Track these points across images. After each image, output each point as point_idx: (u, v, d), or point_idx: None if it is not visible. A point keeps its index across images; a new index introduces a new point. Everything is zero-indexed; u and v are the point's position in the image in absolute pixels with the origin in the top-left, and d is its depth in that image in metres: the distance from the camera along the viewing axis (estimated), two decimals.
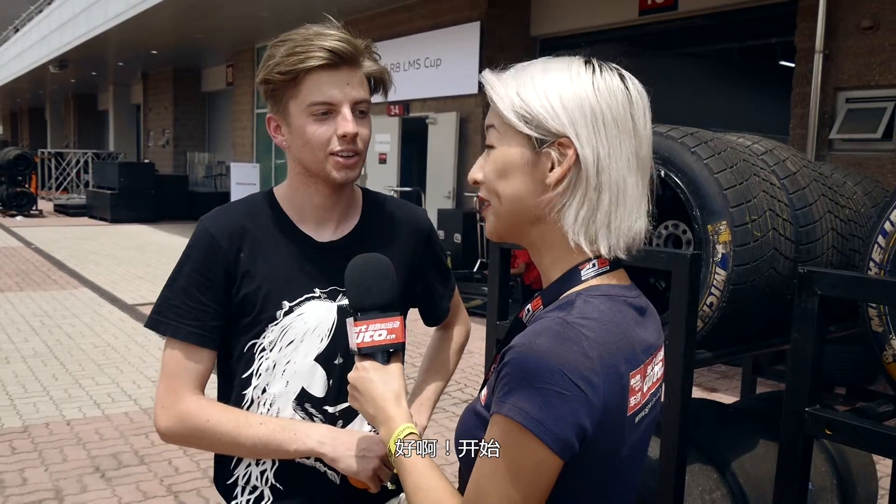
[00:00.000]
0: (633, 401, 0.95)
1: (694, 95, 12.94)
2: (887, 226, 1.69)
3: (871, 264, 1.72)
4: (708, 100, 13.00)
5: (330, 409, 1.44)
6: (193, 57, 20.39)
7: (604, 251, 0.99)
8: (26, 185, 20.20)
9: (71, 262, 11.52)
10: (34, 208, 20.03)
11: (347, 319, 1.20)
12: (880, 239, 1.70)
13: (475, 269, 9.87)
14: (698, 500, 2.16)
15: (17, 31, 30.14)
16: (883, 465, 3.01)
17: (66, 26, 20.56)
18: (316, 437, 1.34)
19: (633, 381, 0.95)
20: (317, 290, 1.42)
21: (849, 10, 6.90)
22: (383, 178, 12.53)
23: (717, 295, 2.02)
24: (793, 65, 7.63)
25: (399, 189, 11.30)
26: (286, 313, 1.40)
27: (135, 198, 18.25)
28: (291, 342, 1.41)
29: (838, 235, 2.38)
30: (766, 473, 2.32)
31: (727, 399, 4.36)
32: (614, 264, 1.03)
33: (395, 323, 1.18)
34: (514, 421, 0.88)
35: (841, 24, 6.94)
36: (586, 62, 1.01)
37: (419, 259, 1.57)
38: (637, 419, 0.98)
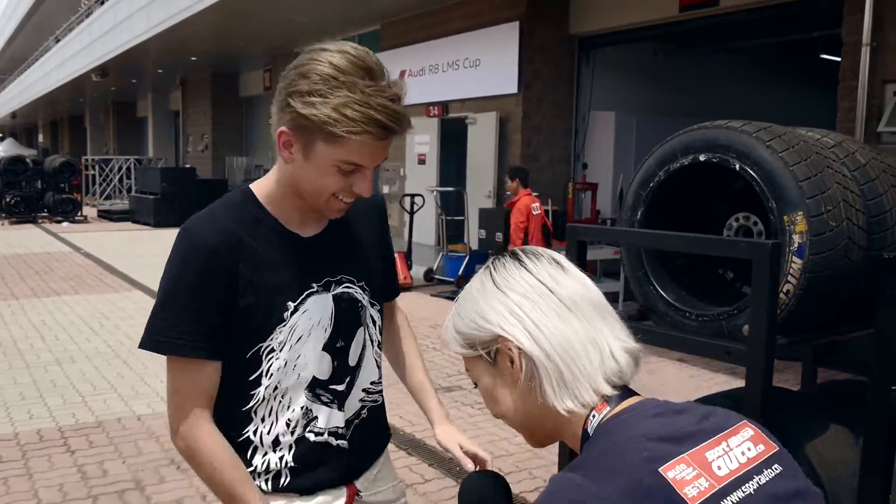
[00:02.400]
0: (691, 491, 0.91)
1: (735, 91, 12.89)
2: None
3: None
4: (749, 95, 12.93)
5: (337, 388, 1.52)
6: (231, 62, 20.77)
7: (589, 399, 1.02)
8: (74, 193, 20.70)
9: (121, 266, 11.82)
10: (79, 214, 20.54)
11: None
12: None
13: None
14: None
15: (58, 41, 30.88)
16: None
17: (108, 36, 21.06)
18: None
19: (673, 474, 0.92)
20: (314, 286, 1.48)
21: None
22: (423, 179, 12.67)
23: (793, 283, 2.10)
24: (837, 58, 7.60)
25: (441, 189, 11.41)
26: (292, 313, 1.45)
27: (177, 202, 18.61)
28: (300, 338, 1.46)
29: None
30: (839, 456, 2.38)
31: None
32: (617, 398, 1.03)
33: None
34: None
35: (888, 17, 6.90)
36: (490, 264, 1.11)
37: (378, 235, 1.64)
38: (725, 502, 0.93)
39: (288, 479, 1.50)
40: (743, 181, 2.23)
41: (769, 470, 1.00)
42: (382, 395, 1.65)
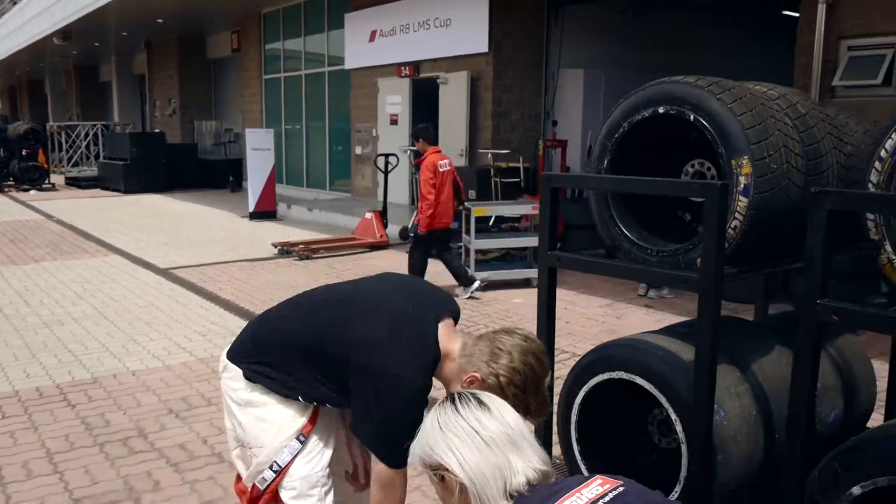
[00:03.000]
0: None
1: (702, 47, 13.13)
2: (882, 153, 2.02)
3: (870, 185, 2.06)
4: (715, 51, 13.18)
5: None
6: (198, 24, 20.48)
7: None
8: (41, 161, 20.46)
9: (96, 232, 11.86)
10: (46, 182, 20.33)
11: None
12: (877, 164, 2.03)
13: (491, 223, 10.21)
14: (725, 393, 2.54)
15: (15, 3, 30.04)
16: (881, 380, 3.38)
17: None
18: None
19: None
20: None
21: None
22: (396, 139, 12.80)
23: (739, 219, 2.37)
24: (797, 14, 7.85)
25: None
26: None
27: (147, 168, 18.54)
28: None
29: (842, 168, 2.72)
30: (780, 373, 2.69)
31: None
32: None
33: None
34: None
35: None
36: (437, 407, 1.54)
37: None
38: None
39: None
40: (697, 131, 2.49)
41: (614, 492, 1.42)
42: None
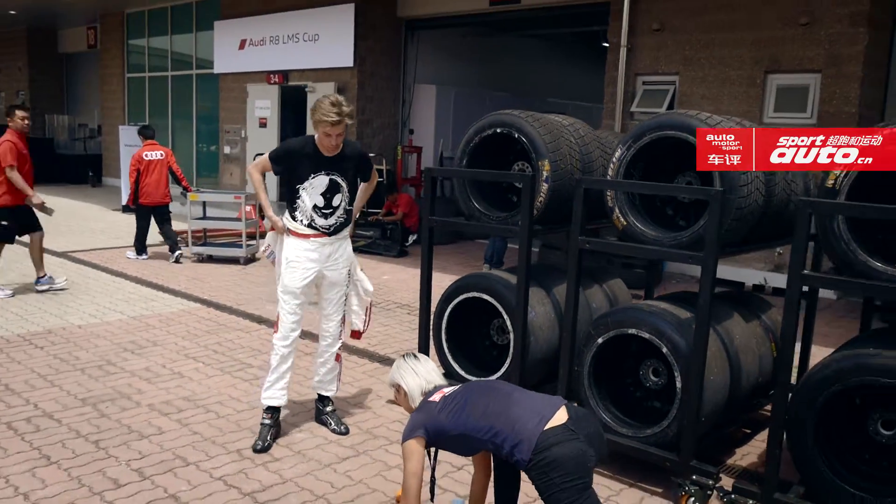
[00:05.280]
0: (436, 396, 2.90)
1: (536, 70, 15.26)
2: (614, 158, 3.73)
3: (608, 176, 3.78)
4: (547, 74, 15.36)
5: (325, 211, 3.95)
6: (50, 18, 20.44)
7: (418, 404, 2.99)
8: None
9: None
10: None
11: None
12: (611, 165, 3.75)
13: (358, 217, 11.68)
14: (536, 302, 4.21)
15: None
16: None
17: None
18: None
19: (433, 398, 2.90)
20: (322, 171, 3.91)
21: (644, 15, 9.27)
22: (264, 141, 13.94)
23: (542, 197, 4.03)
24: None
25: None
26: (310, 179, 3.90)
27: None
28: (314, 187, 3.89)
29: (605, 169, 4.47)
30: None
31: None
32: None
33: None
34: None
35: (639, 25, 9.29)
36: (400, 357, 3.16)
37: (355, 162, 3.97)
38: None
39: (310, 224, 3.97)
40: (520, 144, 4.14)
41: (460, 384, 3.03)
42: (347, 221, 4.06)
